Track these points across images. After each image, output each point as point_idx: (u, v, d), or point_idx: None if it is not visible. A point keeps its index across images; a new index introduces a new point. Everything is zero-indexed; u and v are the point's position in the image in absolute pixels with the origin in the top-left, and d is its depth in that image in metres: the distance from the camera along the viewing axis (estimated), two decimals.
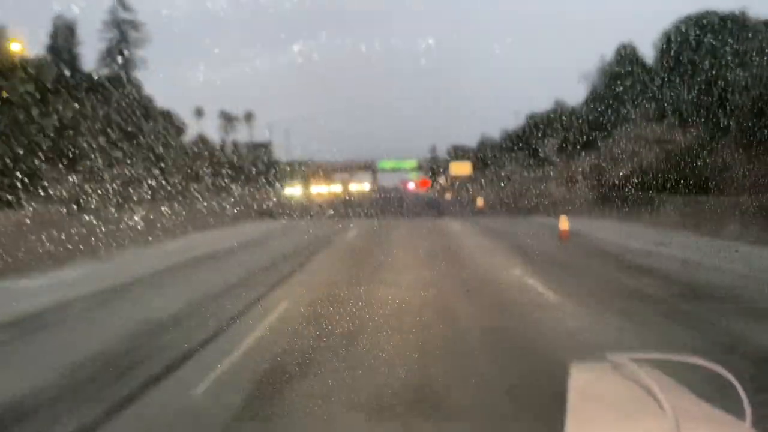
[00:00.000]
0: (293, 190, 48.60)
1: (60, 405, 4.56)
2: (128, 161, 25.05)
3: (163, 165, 29.97)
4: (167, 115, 37.92)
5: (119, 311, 7.99)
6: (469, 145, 71.11)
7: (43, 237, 12.80)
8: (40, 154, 20.41)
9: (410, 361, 5.25)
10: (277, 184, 47.76)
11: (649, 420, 0.64)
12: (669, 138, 25.96)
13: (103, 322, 7.48)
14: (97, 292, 9.20)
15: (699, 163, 20.59)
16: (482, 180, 54.64)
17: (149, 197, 25.96)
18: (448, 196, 54.09)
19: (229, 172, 36.26)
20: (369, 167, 74.63)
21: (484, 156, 63.13)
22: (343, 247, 14.70)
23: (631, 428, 0.65)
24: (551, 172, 40.08)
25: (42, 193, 18.08)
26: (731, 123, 22.40)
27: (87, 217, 15.71)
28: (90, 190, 19.00)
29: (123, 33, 41.07)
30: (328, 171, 70.16)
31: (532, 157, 51.52)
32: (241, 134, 58.62)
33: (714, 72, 31.78)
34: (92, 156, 23.28)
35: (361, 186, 77.88)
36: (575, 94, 78.17)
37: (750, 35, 32.54)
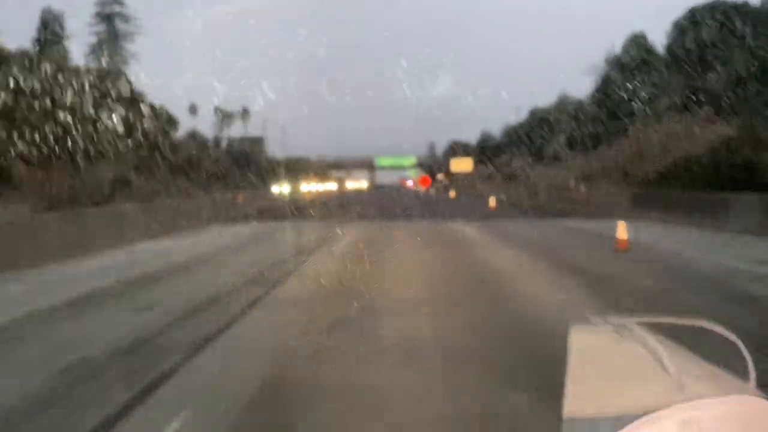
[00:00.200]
0: (282, 189, 44.63)
1: None
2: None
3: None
4: (159, 110, 34.93)
5: None
6: (469, 141, 68.18)
7: None
8: None
9: None
10: (269, 183, 44.01)
11: (652, 380, 0.62)
12: (717, 130, 22.10)
13: None
14: None
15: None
16: (488, 177, 51.00)
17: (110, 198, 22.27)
18: (452, 194, 50.21)
19: (210, 171, 32.48)
20: (366, 164, 71.32)
21: (486, 152, 59.68)
22: (312, 284, 8.88)
23: (633, 388, 0.63)
24: (565, 169, 36.17)
25: None
26: None
27: None
28: None
29: (113, 26, 40.70)
30: (323, 168, 66.68)
31: (538, 153, 47.94)
32: (238, 131, 55.82)
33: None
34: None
35: (357, 184, 74.22)
36: (578, 88, 75.02)
37: None
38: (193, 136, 45.99)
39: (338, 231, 15.97)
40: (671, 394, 0.59)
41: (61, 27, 35.88)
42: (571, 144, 44.04)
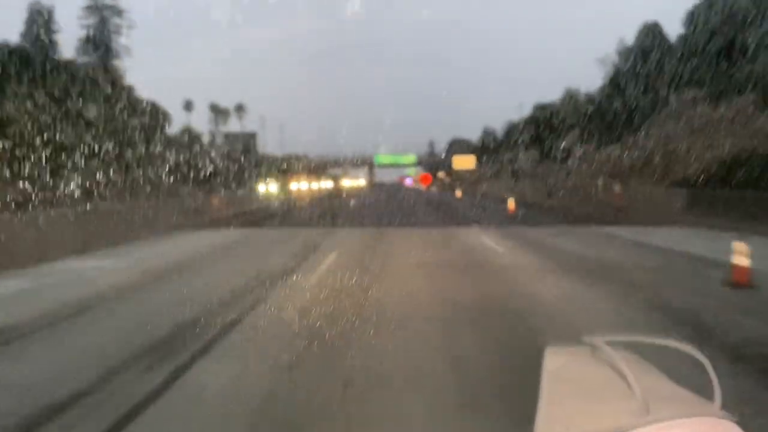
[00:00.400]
0: (269, 188, 40.88)
1: None
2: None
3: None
4: (153, 107, 32.36)
5: None
6: (470, 139, 65.22)
7: None
8: None
9: None
10: (256, 181, 40.43)
11: (619, 401, 0.63)
12: None
13: None
14: None
15: None
16: (494, 175, 47.47)
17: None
18: (458, 194, 46.54)
19: (184, 170, 28.95)
20: (365, 162, 67.93)
21: (489, 149, 56.32)
22: (241, 372, 4.46)
23: (601, 409, 0.64)
24: (583, 166, 32.51)
25: None
26: None
27: None
28: None
29: (103, 19, 39.12)
30: (321, 166, 63.24)
31: (546, 149, 44.39)
32: (234, 127, 53.11)
33: None
34: None
35: (355, 182, 70.64)
36: (583, 82, 71.75)
37: None
38: (188, 132, 43.20)
39: (327, 244, 12.28)
40: (637, 416, 0.59)
41: (50, 20, 34.60)
42: (584, 138, 40.42)
